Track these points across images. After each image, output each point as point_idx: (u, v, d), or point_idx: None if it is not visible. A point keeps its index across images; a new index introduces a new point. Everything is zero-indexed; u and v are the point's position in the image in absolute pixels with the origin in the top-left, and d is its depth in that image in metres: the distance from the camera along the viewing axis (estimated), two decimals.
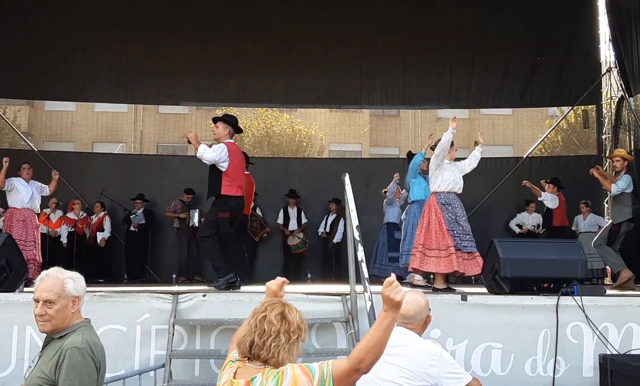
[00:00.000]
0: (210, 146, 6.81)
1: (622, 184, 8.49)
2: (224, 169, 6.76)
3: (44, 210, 11.30)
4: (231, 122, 7.07)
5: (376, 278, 9.16)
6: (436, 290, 6.60)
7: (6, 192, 8.56)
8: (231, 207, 6.90)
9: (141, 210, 11.79)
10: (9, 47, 12.14)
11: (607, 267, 12.28)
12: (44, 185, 8.98)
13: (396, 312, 2.61)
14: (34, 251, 8.37)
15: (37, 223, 8.79)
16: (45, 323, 3.06)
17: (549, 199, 10.90)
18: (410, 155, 8.66)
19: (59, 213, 11.62)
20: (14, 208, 8.51)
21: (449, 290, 6.56)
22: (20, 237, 8.09)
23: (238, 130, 7.33)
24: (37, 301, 3.06)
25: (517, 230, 11.83)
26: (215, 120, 7.11)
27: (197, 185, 11.26)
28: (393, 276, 2.61)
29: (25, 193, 8.57)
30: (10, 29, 12.13)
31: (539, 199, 11.03)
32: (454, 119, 6.99)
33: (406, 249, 8.04)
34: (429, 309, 3.81)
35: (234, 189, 6.86)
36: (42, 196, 9.04)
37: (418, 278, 7.48)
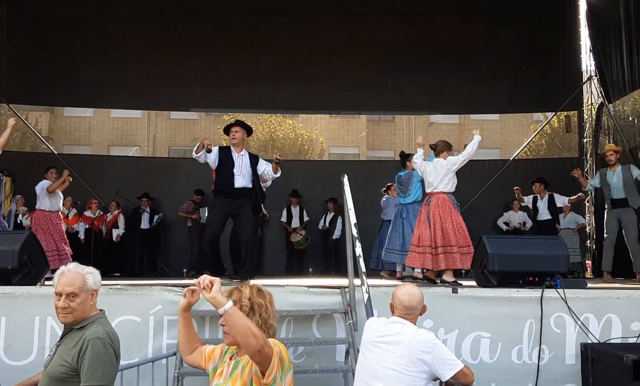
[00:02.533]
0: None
1: (593, 181, 8.58)
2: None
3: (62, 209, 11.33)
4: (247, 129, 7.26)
5: (375, 271, 9.24)
6: (445, 282, 6.51)
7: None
8: None
9: (148, 208, 11.78)
10: (31, 58, 12.19)
11: (588, 261, 12.36)
12: (45, 181, 8.71)
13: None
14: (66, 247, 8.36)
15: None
16: (67, 315, 3.07)
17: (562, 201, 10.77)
18: (403, 155, 8.62)
19: (74, 211, 11.62)
20: (43, 210, 8.48)
21: (457, 284, 6.49)
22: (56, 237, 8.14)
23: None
24: (59, 294, 3.07)
25: (505, 227, 11.86)
26: (238, 124, 7.14)
27: (206, 186, 11.22)
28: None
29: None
30: (33, 42, 12.18)
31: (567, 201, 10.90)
32: (476, 130, 6.95)
33: (402, 246, 7.94)
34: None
35: None
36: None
37: (417, 271, 7.40)
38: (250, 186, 6.97)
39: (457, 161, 6.80)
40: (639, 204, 8.34)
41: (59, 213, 8.73)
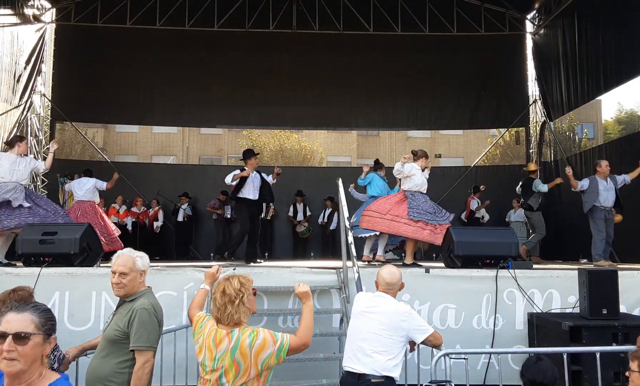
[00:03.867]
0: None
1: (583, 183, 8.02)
2: None
3: (113, 205, 11.32)
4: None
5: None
6: (405, 265, 6.51)
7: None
8: None
9: (186, 204, 11.78)
10: (89, 86, 12.19)
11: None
12: (100, 182, 8.45)
13: (309, 301, 3.00)
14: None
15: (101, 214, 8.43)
16: (120, 289, 3.07)
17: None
18: (377, 162, 8.48)
19: (124, 207, 11.62)
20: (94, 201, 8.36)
21: (415, 265, 6.47)
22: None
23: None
24: (114, 273, 3.08)
25: (466, 220, 11.84)
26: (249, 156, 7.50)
27: (229, 188, 11.23)
28: (301, 286, 3.09)
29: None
30: (90, 74, 12.19)
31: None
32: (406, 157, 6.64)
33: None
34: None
35: None
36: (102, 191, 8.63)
37: (380, 254, 7.33)
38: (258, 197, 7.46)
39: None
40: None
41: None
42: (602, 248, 7.35)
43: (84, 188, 8.26)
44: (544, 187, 9.01)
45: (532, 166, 9.75)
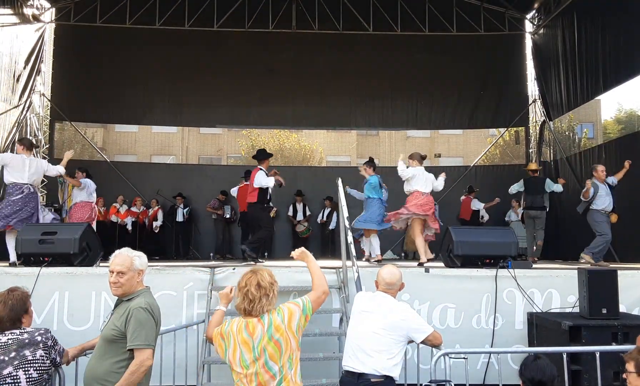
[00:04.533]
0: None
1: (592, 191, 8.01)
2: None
3: (114, 204, 11.31)
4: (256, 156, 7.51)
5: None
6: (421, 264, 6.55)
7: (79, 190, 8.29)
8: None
9: (182, 206, 11.76)
10: (88, 86, 12.17)
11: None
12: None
13: (309, 256, 3.24)
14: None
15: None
16: (117, 289, 3.08)
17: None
18: (371, 159, 8.48)
19: (125, 207, 11.61)
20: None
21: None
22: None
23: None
24: (112, 272, 3.08)
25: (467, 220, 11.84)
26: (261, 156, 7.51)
27: (229, 187, 11.27)
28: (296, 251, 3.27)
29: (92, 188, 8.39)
30: (89, 74, 12.18)
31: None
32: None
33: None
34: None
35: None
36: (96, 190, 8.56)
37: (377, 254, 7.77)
38: None
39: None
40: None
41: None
42: (602, 249, 7.36)
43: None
44: (559, 188, 8.85)
45: (533, 166, 9.69)
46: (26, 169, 6.43)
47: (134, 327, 2.93)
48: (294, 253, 3.27)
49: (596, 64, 9.84)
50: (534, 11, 12.57)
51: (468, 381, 3.88)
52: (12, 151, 10.49)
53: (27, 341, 3.14)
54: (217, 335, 2.87)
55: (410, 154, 7.18)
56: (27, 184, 6.42)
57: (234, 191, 10.37)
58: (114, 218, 11.20)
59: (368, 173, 7.94)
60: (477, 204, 11.29)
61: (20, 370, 3.05)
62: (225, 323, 2.90)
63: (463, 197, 11.60)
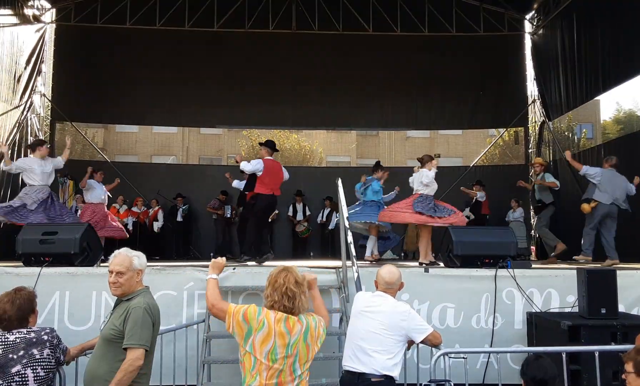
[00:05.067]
0: (248, 162, 6.99)
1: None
2: (259, 175, 6.92)
3: (114, 205, 11.30)
4: (268, 145, 7.23)
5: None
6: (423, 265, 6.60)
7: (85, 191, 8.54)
8: (263, 201, 6.96)
9: (182, 206, 11.77)
10: (89, 87, 12.18)
11: (532, 246, 12.34)
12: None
13: (317, 288, 3.26)
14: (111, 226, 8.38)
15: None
16: (117, 289, 3.08)
17: (480, 196, 11.00)
18: (378, 163, 8.58)
19: (125, 207, 11.61)
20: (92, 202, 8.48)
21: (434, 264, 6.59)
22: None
23: (274, 150, 7.36)
24: (111, 272, 3.09)
25: (467, 219, 11.81)
26: (260, 144, 7.35)
27: (229, 188, 11.25)
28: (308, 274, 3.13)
29: (100, 191, 8.57)
30: (90, 75, 12.18)
31: (477, 198, 11.08)
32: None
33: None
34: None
35: (267, 189, 6.93)
36: (108, 195, 8.96)
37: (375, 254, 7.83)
38: None
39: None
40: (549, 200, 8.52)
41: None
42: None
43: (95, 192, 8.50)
44: (551, 178, 8.58)
45: (540, 160, 9.28)
46: (43, 171, 7.07)
47: (130, 326, 2.94)
48: (308, 275, 3.15)
49: (595, 65, 9.84)
50: (533, 12, 12.57)
51: (467, 381, 3.87)
52: (12, 152, 10.56)
53: (34, 340, 3.16)
54: (238, 313, 2.78)
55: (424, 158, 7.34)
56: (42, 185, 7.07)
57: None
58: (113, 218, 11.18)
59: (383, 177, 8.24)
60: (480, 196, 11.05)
61: (29, 368, 3.07)
62: (256, 308, 2.82)
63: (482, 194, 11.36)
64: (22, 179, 7.45)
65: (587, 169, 7.44)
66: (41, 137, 11.99)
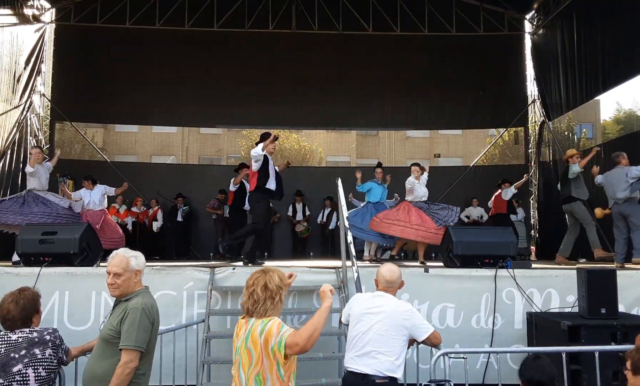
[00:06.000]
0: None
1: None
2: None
3: (113, 205, 11.30)
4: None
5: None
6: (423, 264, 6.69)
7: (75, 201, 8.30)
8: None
9: (186, 207, 11.78)
10: (89, 87, 12.16)
11: (532, 246, 12.33)
12: (109, 187, 8.57)
13: (324, 303, 2.98)
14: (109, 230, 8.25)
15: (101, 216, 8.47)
16: (115, 290, 3.07)
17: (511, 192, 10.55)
18: (379, 164, 8.65)
19: (124, 207, 11.59)
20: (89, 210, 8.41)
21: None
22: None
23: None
24: (109, 273, 3.08)
25: (466, 220, 11.83)
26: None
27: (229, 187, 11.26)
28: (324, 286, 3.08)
29: (87, 199, 8.32)
30: (90, 75, 12.17)
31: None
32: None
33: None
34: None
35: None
36: (108, 196, 8.80)
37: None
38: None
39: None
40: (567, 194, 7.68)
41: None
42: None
43: (96, 197, 8.34)
44: (577, 168, 7.54)
45: (572, 152, 8.09)
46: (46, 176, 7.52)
47: (127, 327, 2.94)
48: (325, 286, 3.10)
49: (595, 64, 9.84)
50: (533, 12, 12.57)
51: (467, 381, 3.87)
52: (11, 152, 10.57)
53: (36, 340, 3.16)
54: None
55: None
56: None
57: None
58: (113, 218, 11.17)
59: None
60: (508, 193, 10.54)
61: (30, 368, 3.06)
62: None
63: (496, 193, 11.21)
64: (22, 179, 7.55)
65: (597, 180, 7.27)
66: (41, 137, 12.00)
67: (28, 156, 7.39)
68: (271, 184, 6.63)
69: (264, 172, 6.56)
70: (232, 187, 9.26)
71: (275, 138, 6.72)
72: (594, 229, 7.51)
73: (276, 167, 6.95)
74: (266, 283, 2.71)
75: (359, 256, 6.79)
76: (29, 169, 7.44)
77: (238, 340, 2.72)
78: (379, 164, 8.70)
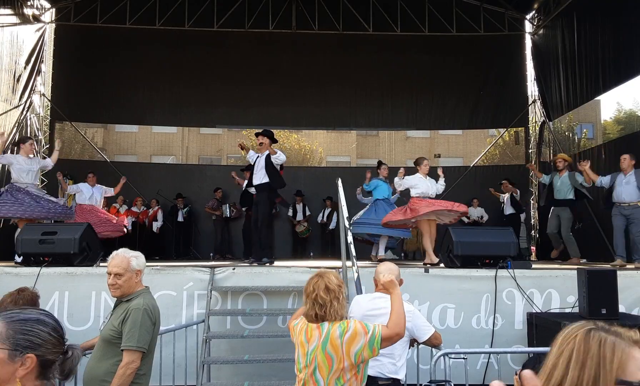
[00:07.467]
0: (275, 153, 6.85)
1: (544, 178, 8.46)
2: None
3: (114, 205, 11.30)
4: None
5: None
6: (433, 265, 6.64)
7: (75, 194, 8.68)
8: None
9: (187, 207, 11.80)
10: (89, 87, 12.17)
11: (532, 247, 12.34)
12: (107, 188, 8.94)
13: (395, 290, 2.92)
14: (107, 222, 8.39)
15: (99, 209, 8.76)
16: (116, 290, 3.07)
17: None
18: (380, 163, 8.64)
19: (125, 207, 11.60)
20: (80, 204, 8.56)
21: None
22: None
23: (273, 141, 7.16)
24: (109, 273, 3.08)
25: (466, 220, 11.81)
26: (259, 134, 7.06)
27: (228, 186, 11.28)
28: (385, 276, 3.04)
29: (87, 194, 8.65)
30: (90, 75, 12.17)
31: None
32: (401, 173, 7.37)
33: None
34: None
35: None
36: (106, 196, 9.04)
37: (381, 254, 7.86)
38: (266, 180, 6.77)
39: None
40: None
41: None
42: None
43: (98, 193, 8.58)
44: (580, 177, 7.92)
45: (564, 157, 8.50)
46: (29, 169, 7.11)
47: (129, 328, 2.93)
48: (384, 278, 3.06)
49: (596, 64, 9.84)
50: (533, 12, 12.57)
51: (467, 381, 3.87)
52: (11, 152, 10.55)
53: None
54: (292, 329, 2.84)
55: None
56: (28, 182, 7.06)
57: None
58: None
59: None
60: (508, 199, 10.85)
61: None
62: (300, 318, 2.84)
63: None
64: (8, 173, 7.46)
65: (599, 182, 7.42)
66: (40, 137, 12.00)
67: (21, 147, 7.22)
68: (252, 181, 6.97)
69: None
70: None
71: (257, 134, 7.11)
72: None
73: (258, 155, 7.03)
74: (326, 285, 2.71)
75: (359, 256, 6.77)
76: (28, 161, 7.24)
77: (309, 344, 2.67)
78: (380, 163, 8.68)
